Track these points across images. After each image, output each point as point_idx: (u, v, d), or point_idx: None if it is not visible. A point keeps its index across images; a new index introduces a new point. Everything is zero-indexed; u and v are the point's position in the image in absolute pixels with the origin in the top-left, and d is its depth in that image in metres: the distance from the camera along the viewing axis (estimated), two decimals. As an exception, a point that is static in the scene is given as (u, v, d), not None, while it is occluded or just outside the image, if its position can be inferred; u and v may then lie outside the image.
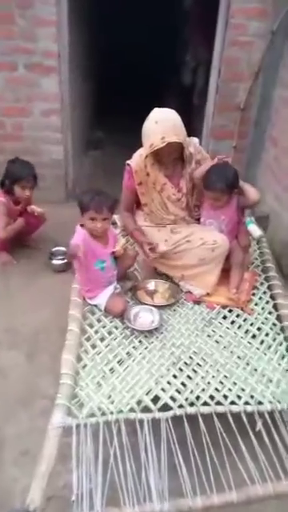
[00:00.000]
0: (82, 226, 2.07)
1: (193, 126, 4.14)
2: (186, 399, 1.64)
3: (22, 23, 3.06)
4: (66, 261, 3.00)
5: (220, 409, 1.59)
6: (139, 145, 2.22)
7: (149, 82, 5.73)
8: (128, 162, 2.26)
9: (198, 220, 2.38)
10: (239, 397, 1.66)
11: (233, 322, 2.12)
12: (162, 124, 2.02)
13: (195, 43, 4.72)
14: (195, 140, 2.29)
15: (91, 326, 2.03)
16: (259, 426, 1.57)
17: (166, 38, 6.38)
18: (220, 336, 2.01)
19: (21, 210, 3.11)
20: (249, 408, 1.59)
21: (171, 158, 2.15)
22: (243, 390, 1.69)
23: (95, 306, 2.16)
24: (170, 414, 1.58)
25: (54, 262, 3.08)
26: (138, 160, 2.22)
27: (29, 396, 2.17)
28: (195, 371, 1.79)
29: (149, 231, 2.32)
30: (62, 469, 1.66)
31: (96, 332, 1.99)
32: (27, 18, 3.04)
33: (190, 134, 2.23)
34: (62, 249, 3.07)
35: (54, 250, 3.13)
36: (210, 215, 2.31)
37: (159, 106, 2.14)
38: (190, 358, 1.87)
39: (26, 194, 2.96)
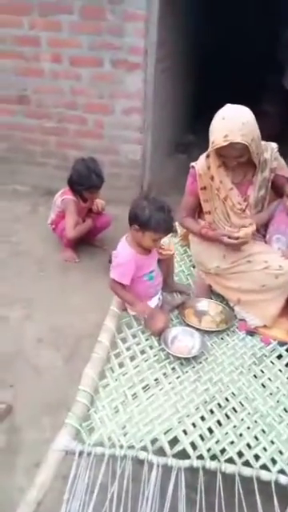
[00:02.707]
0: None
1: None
2: (209, 450, 1.38)
3: (111, 18, 3.00)
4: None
5: (246, 472, 1.30)
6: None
7: (249, 82, 5.39)
8: (192, 164, 2.04)
9: (263, 236, 2.07)
10: (274, 461, 1.35)
11: (288, 365, 1.78)
12: (228, 121, 1.77)
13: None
14: (273, 145, 1.99)
15: (124, 340, 1.85)
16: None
17: (270, 34, 5.96)
18: (268, 379, 1.69)
19: (88, 207, 3.08)
20: (282, 479, 1.28)
21: (236, 162, 1.87)
22: (281, 453, 1.38)
23: (135, 317, 1.97)
24: (185, 463, 1.33)
25: (113, 265, 2.96)
26: (202, 161, 1.99)
27: (56, 403, 2.08)
28: (228, 417, 1.51)
29: (206, 244, 2.07)
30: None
31: (128, 349, 1.81)
32: (117, 13, 2.98)
33: (285, 142, 1.94)
34: (123, 252, 2.95)
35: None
36: (281, 230, 1.99)
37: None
38: (226, 399, 1.59)
39: (94, 197, 2.98)
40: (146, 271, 1.91)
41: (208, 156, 1.93)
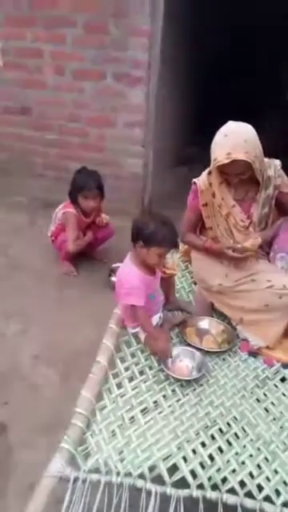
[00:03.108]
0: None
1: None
2: (210, 478, 1.32)
3: (114, 32, 3.01)
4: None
5: (249, 504, 1.24)
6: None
7: (252, 98, 5.41)
8: (195, 180, 2.01)
9: (267, 254, 2.03)
10: (278, 492, 1.29)
11: (292, 388, 1.73)
12: (231, 138, 1.74)
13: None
14: (277, 162, 1.95)
15: (123, 360, 1.80)
16: None
17: (272, 49, 6.01)
18: (272, 403, 1.64)
19: (89, 223, 3.04)
20: (287, 513, 1.22)
21: (238, 179, 1.84)
22: (286, 483, 1.32)
23: (135, 335, 1.92)
24: (184, 493, 1.28)
25: (113, 279, 2.90)
26: (204, 178, 1.96)
27: (53, 423, 2.01)
28: (230, 443, 1.45)
29: (209, 260, 2.03)
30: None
31: (126, 369, 1.75)
32: (120, 28, 2.98)
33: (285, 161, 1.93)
34: (123, 266, 2.90)
35: (114, 266, 2.98)
36: (285, 248, 1.95)
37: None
38: (228, 424, 1.53)
39: (89, 204, 2.88)
40: (150, 291, 1.85)
41: (210, 173, 1.90)
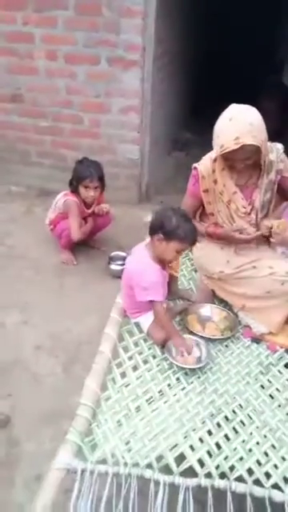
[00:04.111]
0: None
1: None
2: (217, 467, 1.32)
3: (107, 14, 2.92)
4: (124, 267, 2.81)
5: (257, 491, 1.24)
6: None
7: (248, 80, 5.32)
8: (195, 164, 1.96)
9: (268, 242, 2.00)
10: (286, 480, 1.29)
11: (297, 373, 1.73)
12: (236, 122, 1.69)
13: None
14: (279, 146, 1.91)
15: (126, 349, 1.79)
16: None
17: (267, 31, 5.90)
18: (277, 390, 1.64)
19: (90, 213, 3.01)
20: (296, 500, 1.23)
21: (243, 164, 1.80)
22: (294, 470, 1.33)
23: (137, 324, 1.91)
24: (193, 482, 1.27)
25: (112, 267, 2.90)
26: (207, 164, 1.91)
27: (56, 413, 2.01)
28: (236, 431, 1.45)
29: (210, 248, 2.01)
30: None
31: (130, 358, 1.74)
32: (113, 9, 2.89)
33: (284, 140, 1.89)
34: (122, 254, 2.89)
35: (113, 254, 2.96)
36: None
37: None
38: (234, 412, 1.53)
39: (89, 194, 2.85)
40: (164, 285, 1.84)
41: (215, 160, 1.85)
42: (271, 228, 1.85)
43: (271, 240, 1.89)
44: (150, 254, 1.79)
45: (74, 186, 2.88)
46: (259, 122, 1.72)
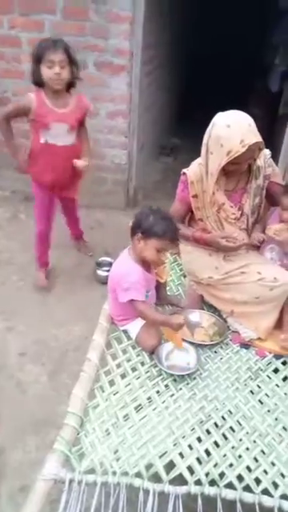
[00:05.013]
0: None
1: (275, 138, 3.74)
2: (207, 474, 1.30)
3: (95, 19, 2.91)
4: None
5: (248, 497, 1.23)
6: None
7: (234, 86, 5.38)
8: (184, 170, 1.96)
9: (258, 248, 2.01)
10: (276, 485, 1.28)
11: (286, 379, 1.72)
12: (236, 126, 1.70)
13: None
14: (266, 152, 1.93)
15: (114, 357, 1.76)
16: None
17: (255, 38, 5.99)
18: (266, 395, 1.63)
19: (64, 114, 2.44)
20: (286, 505, 1.21)
21: (247, 164, 1.82)
22: (283, 476, 1.31)
23: (125, 331, 1.89)
24: (182, 490, 1.25)
25: (99, 272, 2.88)
26: (195, 170, 1.91)
27: (42, 421, 1.98)
28: (225, 437, 1.44)
29: (197, 254, 2.00)
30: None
31: (118, 366, 1.72)
32: (101, 14, 2.89)
33: (270, 146, 1.90)
34: (109, 260, 2.86)
35: (100, 259, 2.94)
36: (274, 240, 1.93)
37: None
38: (223, 418, 1.51)
39: (55, 71, 2.21)
40: (148, 288, 1.81)
41: (208, 173, 1.84)
42: (263, 242, 1.88)
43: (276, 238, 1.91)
44: (132, 257, 1.77)
45: (36, 73, 2.27)
46: (253, 121, 1.75)
